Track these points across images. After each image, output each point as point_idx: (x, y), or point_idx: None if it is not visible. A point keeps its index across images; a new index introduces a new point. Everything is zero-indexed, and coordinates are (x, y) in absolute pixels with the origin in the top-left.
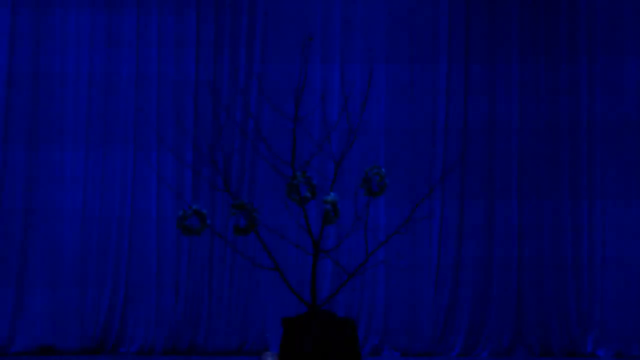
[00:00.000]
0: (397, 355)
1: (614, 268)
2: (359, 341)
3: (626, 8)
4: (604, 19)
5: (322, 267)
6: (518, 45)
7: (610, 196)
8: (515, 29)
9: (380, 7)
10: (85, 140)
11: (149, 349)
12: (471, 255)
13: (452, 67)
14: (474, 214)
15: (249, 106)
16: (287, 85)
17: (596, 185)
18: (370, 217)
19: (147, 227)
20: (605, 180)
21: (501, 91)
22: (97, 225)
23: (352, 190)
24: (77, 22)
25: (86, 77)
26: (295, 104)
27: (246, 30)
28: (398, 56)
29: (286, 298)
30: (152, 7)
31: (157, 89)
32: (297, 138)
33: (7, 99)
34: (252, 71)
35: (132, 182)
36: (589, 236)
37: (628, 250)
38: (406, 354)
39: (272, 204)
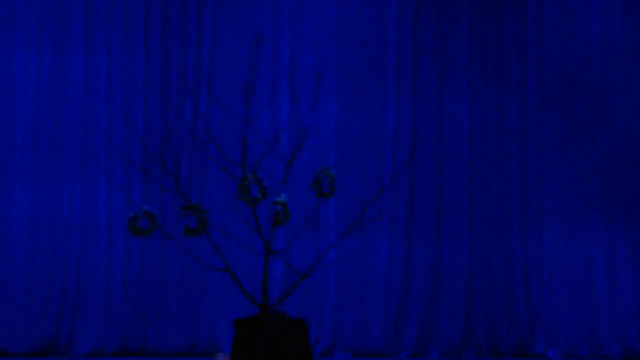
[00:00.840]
0: (348, 356)
1: (562, 269)
2: (310, 342)
3: None
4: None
5: (273, 269)
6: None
7: (556, 197)
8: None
9: (330, 8)
10: (33, 148)
11: (99, 350)
12: (421, 256)
13: (401, 67)
14: (423, 214)
15: (198, 107)
16: (236, 85)
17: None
18: (320, 218)
19: (96, 228)
20: (552, 179)
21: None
22: (45, 225)
23: (303, 192)
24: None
25: (34, 76)
26: (245, 105)
27: (195, 29)
28: (348, 57)
29: (237, 299)
30: (100, 12)
31: (106, 90)
32: (247, 139)
33: None
34: (201, 70)
35: (81, 183)
36: (538, 236)
37: (576, 250)
38: (357, 355)
39: (222, 205)
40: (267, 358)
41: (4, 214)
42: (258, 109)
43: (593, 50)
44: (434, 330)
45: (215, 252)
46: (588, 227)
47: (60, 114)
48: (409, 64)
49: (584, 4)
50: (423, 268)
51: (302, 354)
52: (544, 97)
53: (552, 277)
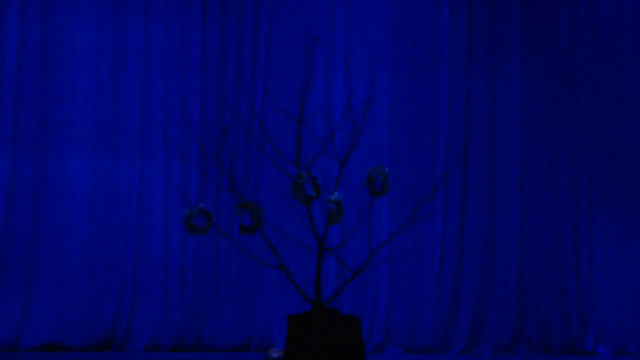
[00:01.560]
0: (401, 352)
1: (612, 267)
2: (363, 338)
3: None
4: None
5: (326, 266)
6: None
7: (609, 197)
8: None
9: (383, 11)
10: (92, 145)
11: (156, 346)
12: (473, 254)
13: (455, 68)
14: (476, 214)
15: (254, 107)
16: (291, 85)
17: (595, 186)
18: (373, 216)
19: (154, 226)
20: (600, 180)
21: (501, 83)
22: (104, 225)
23: (356, 190)
24: (84, 34)
25: (94, 83)
26: (300, 105)
27: (251, 31)
28: (401, 58)
29: (291, 296)
30: (157, 15)
31: (163, 92)
32: (301, 138)
33: (15, 110)
34: (257, 72)
35: (139, 183)
36: (590, 237)
37: (626, 249)
38: (409, 351)
39: (277, 203)
40: (319, 355)
41: (64, 213)
42: (312, 108)
43: None
44: (486, 327)
45: (269, 249)
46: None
47: (117, 115)
48: (463, 67)
49: None
50: (475, 266)
51: (354, 350)
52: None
53: (602, 276)
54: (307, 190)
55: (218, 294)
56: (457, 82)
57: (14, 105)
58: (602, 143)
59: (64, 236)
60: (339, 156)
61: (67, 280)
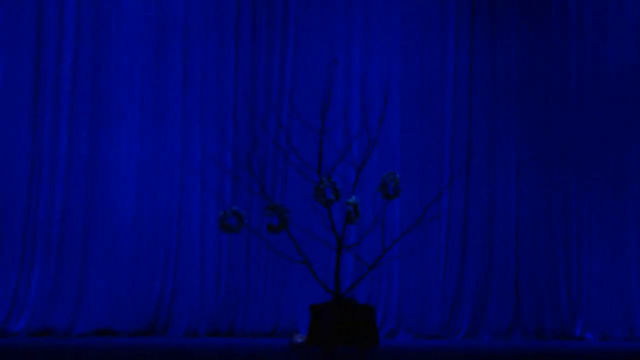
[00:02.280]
0: (410, 337)
1: (598, 261)
2: (377, 325)
3: None
4: None
5: (344, 261)
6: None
7: (595, 189)
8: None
9: (395, 38)
10: (138, 156)
11: (194, 331)
12: (474, 251)
13: (457, 92)
14: (477, 215)
15: (281, 121)
16: (314, 101)
17: (585, 187)
18: (386, 217)
19: (193, 226)
20: (591, 180)
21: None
22: (148, 224)
23: (371, 194)
24: (128, 54)
25: (140, 99)
26: (321, 118)
27: (279, 55)
28: (411, 78)
29: (314, 287)
30: (197, 43)
31: (201, 108)
32: (323, 148)
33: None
34: (284, 89)
35: (180, 187)
36: (578, 231)
37: (612, 246)
38: (418, 336)
39: (301, 205)
40: (338, 339)
41: (114, 215)
42: (332, 121)
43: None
44: (485, 315)
45: (294, 246)
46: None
47: (159, 125)
48: (465, 84)
49: None
50: (477, 262)
51: (369, 335)
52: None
53: (589, 269)
54: (327, 194)
55: (249, 286)
56: (460, 100)
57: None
58: (592, 146)
59: (113, 233)
60: (355, 164)
61: (115, 272)
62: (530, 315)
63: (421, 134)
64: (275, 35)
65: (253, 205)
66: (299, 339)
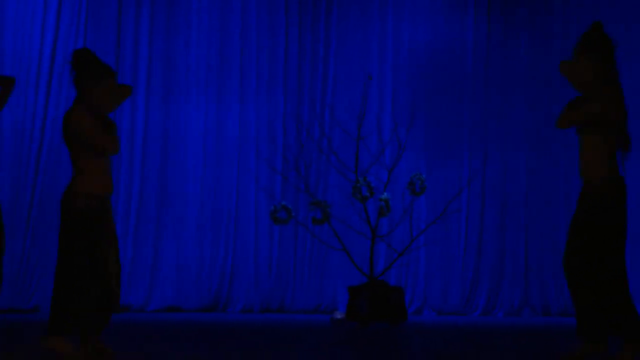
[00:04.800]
0: (434, 314)
1: None
2: (406, 304)
3: None
4: None
5: (377, 249)
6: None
7: None
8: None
9: (422, 56)
10: (203, 160)
11: (250, 308)
12: (490, 240)
13: (475, 98)
14: (492, 209)
15: (324, 128)
16: (352, 112)
17: None
18: (414, 211)
19: (248, 219)
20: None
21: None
22: (211, 219)
23: (401, 191)
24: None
25: (203, 126)
26: (358, 127)
27: (321, 70)
28: (435, 91)
29: (351, 272)
30: (252, 63)
31: (256, 117)
32: (359, 152)
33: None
34: (326, 102)
35: (237, 185)
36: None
37: None
38: (441, 313)
39: (340, 201)
40: (372, 315)
41: (181, 210)
42: (368, 129)
43: None
44: (499, 296)
45: (335, 236)
46: None
47: (221, 136)
48: (481, 99)
49: None
50: (491, 250)
51: (399, 313)
52: None
53: None
54: (363, 192)
55: (296, 270)
56: (484, 107)
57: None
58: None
59: (181, 228)
60: (387, 166)
61: (182, 257)
62: (538, 295)
63: (443, 140)
64: (318, 56)
65: (299, 201)
66: (339, 315)
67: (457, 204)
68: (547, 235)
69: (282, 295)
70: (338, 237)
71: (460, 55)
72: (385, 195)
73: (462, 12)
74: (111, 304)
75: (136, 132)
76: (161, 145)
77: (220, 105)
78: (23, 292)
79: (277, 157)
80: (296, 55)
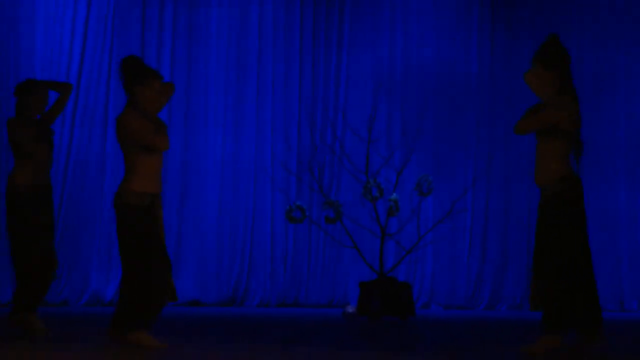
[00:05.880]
0: (440, 308)
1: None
2: (414, 299)
3: None
4: None
5: (387, 247)
6: None
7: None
8: None
9: (430, 64)
10: (221, 162)
11: (266, 302)
12: (494, 239)
13: (481, 107)
14: (496, 210)
15: (336, 132)
16: (363, 116)
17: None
18: (421, 211)
19: (264, 218)
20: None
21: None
22: (229, 218)
23: (409, 192)
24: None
25: (222, 119)
26: (369, 130)
27: (333, 78)
28: (443, 96)
29: (362, 268)
30: (268, 67)
31: (271, 122)
32: (370, 155)
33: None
34: (338, 107)
35: (254, 186)
36: None
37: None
38: (447, 307)
39: (352, 201)
40: (382, 310)
41: (202, 209)
42: (377, 133)
43: None
44: (502, 291)
45: (346, 234)
46: None
47: (239, 144)
48: (489, 103)
49: None
50: (495, 248)
51: (407, 307)
52: None
53: None
54: (373, 192)
55: (310, 266)
56: (488, 112)
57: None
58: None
59: (202, 222)
60: (396, 168)
61: (203, 254)
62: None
63: (449, 143)
64: (330, 63)
65: (313, 201)
66: (350, 309)
67: (462, 203)
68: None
69: (297, 290)
70: (350, 235)
71: (466, 66)
72: (394, 196)
73: (467, 27)
74: (168, 296)
75: None
76: (181, 152)
77: (237, 112)
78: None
79: (292, 159)
80: (310, 63)
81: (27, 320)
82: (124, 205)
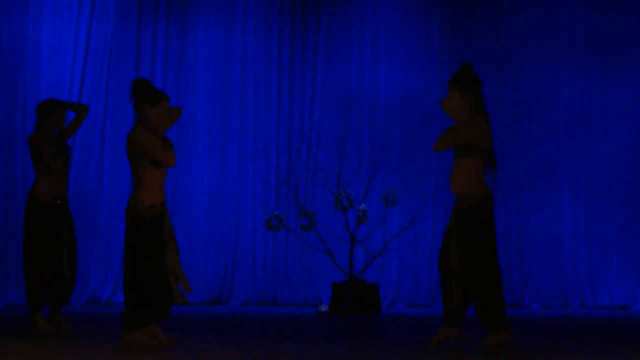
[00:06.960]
0: (405, 307)
1: (542, 251)
2: (380, 299)
3: None
4: None
5: (356, 252)
6: None
7: (537, 188)
8: None
9: (397, 80)
10: (208, 185)
11: (248, 302)
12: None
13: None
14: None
15: (311, 148)
16: (335, 135)
17: (525, 183)
18: (387, 219)
19: (247, 225)
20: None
21: None
22: (215, 226)
23: (377, 203)
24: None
25: (209, 140)
26: (340, 147)
27: (309, 98)
28: (409, 116)
29: (334, 271)
30: (250, 93)
31: (253, 139)
32: (341, 169)
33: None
34: (313, 126)
35: (237, 197)
36: (527, 223)
37: (553, 238)
38: (411, 306)
39: (325, 211)
40: (352, 309)
41: (190, 221)
42: (349, 149)
43: None
44: None
45: (320, 241)
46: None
47: (225, 157)
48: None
49: None
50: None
51: (375, 306)
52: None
53: (537, 255)
54: (344, 203)
55: (287, 269)
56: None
57: None
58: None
59: (190, 227)
60: (365, 181)
61: (191, 260)
62: None
63: (415, 159)
64: (306, 88)
65: (290, 211)
66: (324, 308)
67: (424, 213)
68: (500, 240)
69: (275, 291)
70: (323, 241)
71: (427, 92)
72: (363, 206)
73: (429, 59)
74: (172, 298)
75: None
76: (172, 170)
77: (223, 136)
78: None
79: (271, 174)
80: (288, 86)
81: (33, 320)
82: (137, 217)
